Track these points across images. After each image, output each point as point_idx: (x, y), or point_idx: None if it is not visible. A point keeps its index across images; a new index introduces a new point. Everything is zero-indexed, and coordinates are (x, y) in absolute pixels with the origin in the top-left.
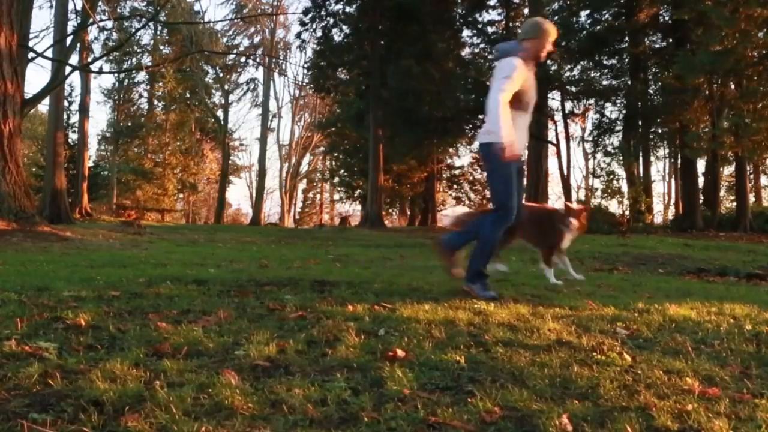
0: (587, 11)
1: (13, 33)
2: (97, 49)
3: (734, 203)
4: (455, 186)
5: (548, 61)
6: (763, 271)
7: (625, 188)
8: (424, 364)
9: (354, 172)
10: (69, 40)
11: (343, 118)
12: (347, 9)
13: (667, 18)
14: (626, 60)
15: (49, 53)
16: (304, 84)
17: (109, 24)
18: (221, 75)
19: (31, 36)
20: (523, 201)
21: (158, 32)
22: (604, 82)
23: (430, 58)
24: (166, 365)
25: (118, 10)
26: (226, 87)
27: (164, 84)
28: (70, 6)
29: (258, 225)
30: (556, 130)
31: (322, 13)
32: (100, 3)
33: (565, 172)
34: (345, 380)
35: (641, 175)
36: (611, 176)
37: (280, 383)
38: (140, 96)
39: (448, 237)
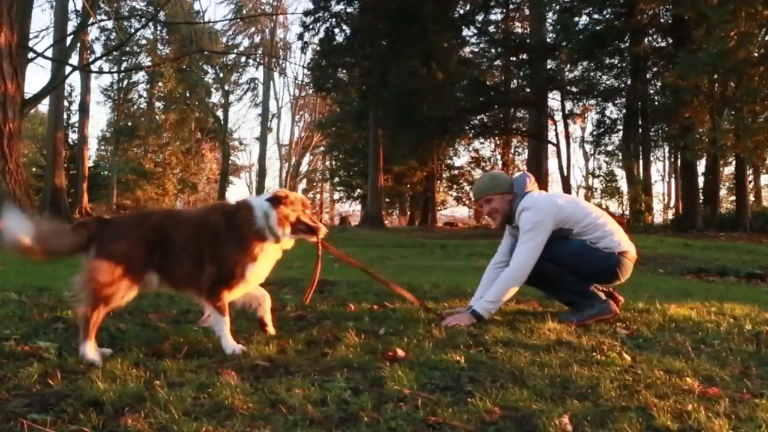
0: (588, 11)
1: (13, 33)
2: (97, 49)
3: (734, 203)
4: (455, 186)
5: (549, 61)
6: (763, 271)
7: (624, 188)
8: (424, 364)
9: (354, 172)
10: (69, 40)
11: (343, 118)
12: (348, 9)
13: (668, 18)
14: (627, 60)
15: (49, 53)
16: (305, 84)
17: (110, 24)
18: (221, 75)
19: (31, 36)
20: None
21: (158, 32)
22: (605, 82)
23: (431, 57)
24: (166, 365)
25: (119, 11)
26: (226, 87)
27: (164, 84)
28: (70, 6)
29: None
30: (556, 130)
31: (325, 14)
32: (100, 3)
33: (565, 172)
34: (345, 380)
35: (641, 175)
36: (611, 176)
37: (280, 383)
38: (140, 96)
39: None
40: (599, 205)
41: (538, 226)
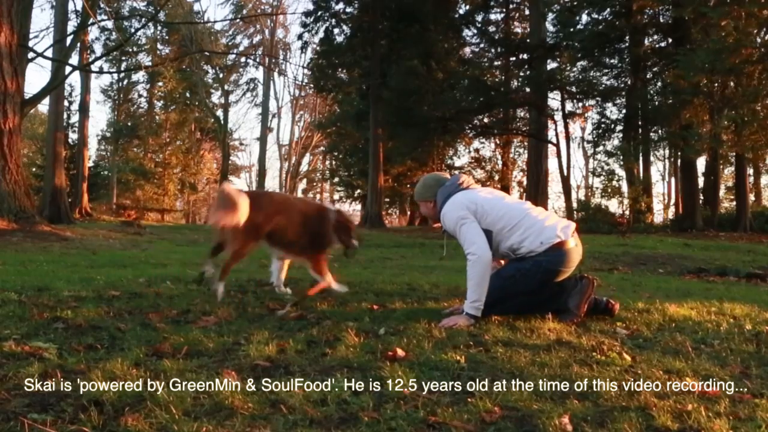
0: (588, 10)
1: (13, 32)
2: (97, 49)
3: (734, 203)
4: None
5: (548, 61)
6: (763, 271)
7: (625, 188)
8: (424, 364)
9: (354, 172)
10: (69, 40)
11: (343, 118)
12: (348, 9)
13: (667, 18)
14: (627, 59)
15: (49, 53)
16: (305, 84)
17: (110, 24)
18: (221, 75)
19: (31, 36)
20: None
21: (158, 32)
22: (605, 82)
23: (431, 57)
24: (166, 365)
25: (119, 11)
26: (226, 87)
27: (164, 84)
28: (70, 6)
29: None
30: (556, 130)
31: (325, 14)
32: (100, 3)
33: (565, 172)
34: (345, 380)
35: (641, 175)
36: (611, 176)
37: (280, 383)
38: (140, 96)
39: None
40: (599, 206)
41: (460, 219)
